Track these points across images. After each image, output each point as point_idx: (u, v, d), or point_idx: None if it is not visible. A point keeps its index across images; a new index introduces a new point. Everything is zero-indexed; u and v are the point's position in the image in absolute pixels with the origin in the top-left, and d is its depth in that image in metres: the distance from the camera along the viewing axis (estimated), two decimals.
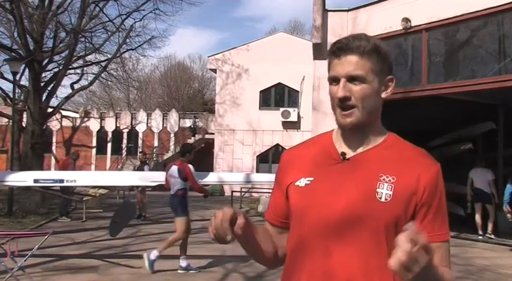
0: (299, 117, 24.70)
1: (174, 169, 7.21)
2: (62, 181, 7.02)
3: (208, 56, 27.23)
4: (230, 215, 1.32)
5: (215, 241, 1.34)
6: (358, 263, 1.33)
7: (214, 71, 26.97)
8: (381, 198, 1.34)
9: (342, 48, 1.41)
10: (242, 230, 1.34)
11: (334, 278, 1.34)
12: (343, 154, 1.44)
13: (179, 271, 7.13)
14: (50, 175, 8.00)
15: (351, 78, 1.39)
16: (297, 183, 1.46)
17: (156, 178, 8.00)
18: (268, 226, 1.58)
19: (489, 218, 11.08)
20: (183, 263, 7.19)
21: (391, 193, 1.35)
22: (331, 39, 11.60)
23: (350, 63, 1.39)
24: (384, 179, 1.36)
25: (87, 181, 8.24)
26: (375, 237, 1.33)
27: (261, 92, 25.57)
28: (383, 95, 1.45)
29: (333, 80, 1.43)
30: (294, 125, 24.86)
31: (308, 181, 1.44)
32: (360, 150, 1.44)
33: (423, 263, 1.10)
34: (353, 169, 1.41)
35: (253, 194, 19.39)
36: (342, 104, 1.40)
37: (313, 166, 1.46)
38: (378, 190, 1.35)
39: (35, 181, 6.95)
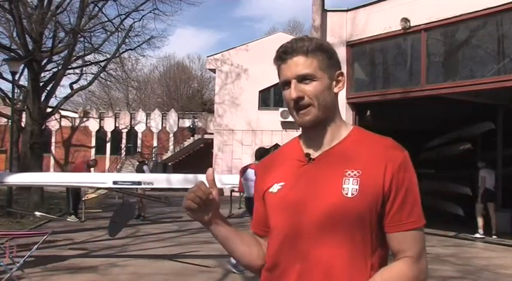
0: None
1: (250, 172, 7.28)
2: (139, 183, 7.10)
3: (208, 56, 27.21)
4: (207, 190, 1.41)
5: (189, 211, 1.42)
6: (334, 260, 1.35)
7: (214, 71, 26.94)
8: (347, 194, 1.35)
9: (286, 51, 1.45)
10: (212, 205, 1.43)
11: (311, 276, 1.36)
12: (308, 154, 1.46)
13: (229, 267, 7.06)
14: (128, 177, 8.13)
15: (301, 78, 1.42)
16: (270, 189, 1.48)
17: (229, 181, 8.13)
18: (256, 237, 1.58)
19: (491, 218, 11.09)
20: (233, 260, 7.09)
21: (357, 187, 1.35)
22: (331, 39, 11.60)
23: (297, 64, 1.43)
24: (349, 174, 1.37)
25: (163, 183, 8.25)
26: (348, 232, 1.35)
27: (260, 92, 25.54)
28: (335, 89, 1.47)
29: (285, 85, 1.46)
30: (293, 125, 24.79)
31: (280, 186, 1.46)
32: (325, 148, 1.46)
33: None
34: (319, 169, 1.42)
35: None
36: (297, 105, 1.43)
37: (284, 171, 1.48)
38: (343, 186, 1.36)
39: (114, 182, 7.01)
